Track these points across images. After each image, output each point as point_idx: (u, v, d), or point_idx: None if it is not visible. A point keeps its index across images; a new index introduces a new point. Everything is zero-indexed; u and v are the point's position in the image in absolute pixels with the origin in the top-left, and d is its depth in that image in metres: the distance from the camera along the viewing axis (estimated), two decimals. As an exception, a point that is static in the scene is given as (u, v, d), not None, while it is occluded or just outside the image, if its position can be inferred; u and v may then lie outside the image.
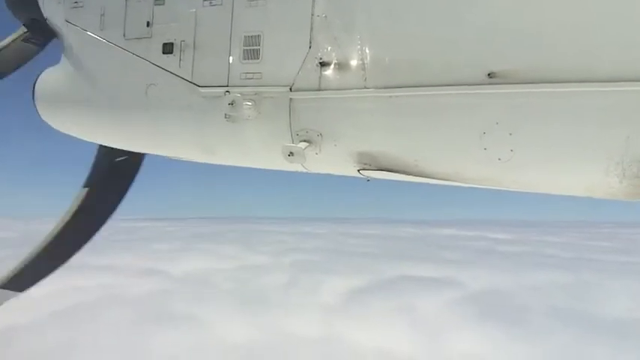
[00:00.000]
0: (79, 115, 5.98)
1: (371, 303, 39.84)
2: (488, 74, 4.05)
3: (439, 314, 38.24)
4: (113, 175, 7.10)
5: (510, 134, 4.04)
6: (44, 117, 6.29)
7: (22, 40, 6.24)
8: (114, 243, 66.23)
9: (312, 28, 4.69)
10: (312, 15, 4.69)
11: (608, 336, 34.07)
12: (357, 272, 49.05)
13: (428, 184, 4.85)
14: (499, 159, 4.13)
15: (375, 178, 4.85)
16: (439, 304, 40.31)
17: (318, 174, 5.18)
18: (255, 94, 4.86)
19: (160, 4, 5.38)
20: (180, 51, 5.22)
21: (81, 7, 5.85)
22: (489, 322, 35.88)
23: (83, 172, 7.03)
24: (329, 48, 4.61)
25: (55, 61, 6.06)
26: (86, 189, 7.00)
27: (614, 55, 3.73)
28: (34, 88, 6.20)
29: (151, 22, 5.39)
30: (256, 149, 5.09)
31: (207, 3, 5.13)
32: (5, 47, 6.18)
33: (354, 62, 4.53)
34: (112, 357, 29.46)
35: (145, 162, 7.04)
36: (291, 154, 4.64)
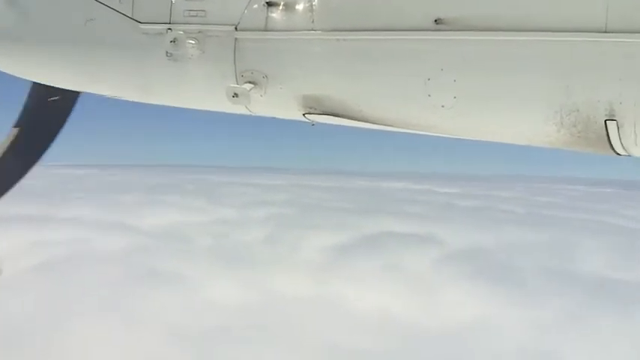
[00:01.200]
0: (13, 51, 5.50)
1: (357, 260, 38.78)
2: (435, 20, 4.00)
3: (428, 272, 37.43)
4: (45, 115, 6.71)
5: (454, 81, 4.02)
6: None
7: None
8: (70, 193, 63.50)
9: None
10: None
11: (603, 296, 34.04)
12: (336, 227, 47.92)
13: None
14: (442, 106, 4.10)
15: (319, 123, 4.67)
16: (426, 261, 39.54)
17: (262, 117, 5.14)
18: (199, 32, 4.62)
19: None
20: None
21: None
22: (481, 281, 35.24)
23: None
24: None
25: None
26: (16, 129, 6.62)
27: (556, 6, 3.76)
28: None
29: None
30: (198, 90, 4.87)
31: None
32: None
33: (301, 3, 4.42)
34: (103, 320, 27.58)
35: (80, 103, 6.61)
36: (235, 95, 4.46)
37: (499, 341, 26.94)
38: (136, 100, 5.45)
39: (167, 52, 4.70)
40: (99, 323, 27.16)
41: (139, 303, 29.51)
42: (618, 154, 4.03)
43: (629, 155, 4.07)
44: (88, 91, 5.65)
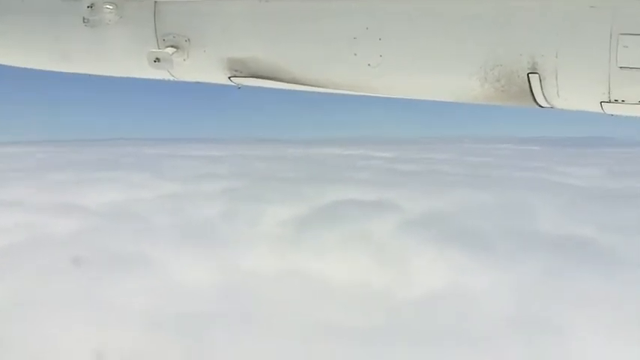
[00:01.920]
0: None
1: (320, 232, 37.95)
2: None
3: (393, 240, 37.00)
4: None
5: (380, 39, 4.07)
6: None
7: None
8: (3, 173, 60.35)
9: None
10: None
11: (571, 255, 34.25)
12: (291, 199, 46.89)
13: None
14: (369, 64, 4.16)
15: (246, 85, 4.68)
16: (388, 229, 39.10)
17: (184, 82, 4.97)
18: None
19: None
20: None
21: None
22: (449, 246, 34.90)
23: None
24: None
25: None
26: None
27: None
28: None
29: None
30: (118, 56, 4.79)
31: None
32: None
33: None
34: (71, 312, 25.98)
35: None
36: (157, 60, 4.39)
37: (484, 307, 26.65)
38: (54, 69, 5.21)
39: (84, 19, 4.55)
40: (66, 315, 25.60)
41: (106, 290, 27.92)
42: (541, 106, 4.14)
43: (551, 107, 4.16)
44: (1, 62, 5.37)
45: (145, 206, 44.08)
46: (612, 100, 3.91)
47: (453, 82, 4.18)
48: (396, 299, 27.78)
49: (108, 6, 4.49)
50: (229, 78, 4.63)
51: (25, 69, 5.47)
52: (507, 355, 22.87)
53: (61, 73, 5.32)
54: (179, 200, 46.76)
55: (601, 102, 3.98)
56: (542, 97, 4.06)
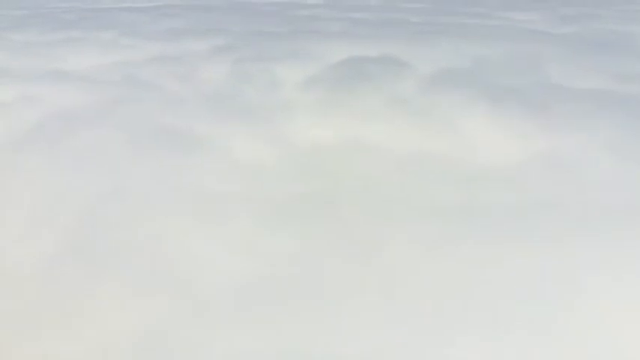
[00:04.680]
0: None
1: (351, 94, 35.50)
2: None
3: (427, 100, 35.33)
4: None
5: None
6: None
7: None
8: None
9: None
10: None
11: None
12: (295, 57, 43.59)
13: None
14: None
15: None
16: (414, 87, 37.40)
17: None
18: None
19: None
20: None
21: None
22: (500, 107, 33.29)
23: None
24: None
25: None
26: None
27: None
28: None
29: None
30: None
31: None
32: None
33: None
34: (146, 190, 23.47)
35: None
36: None
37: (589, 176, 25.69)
38: None
39: None
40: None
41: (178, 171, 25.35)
42: None
43: None
44: None
45: (144, 70, 40.11)
46: None
47: None
48: (479, 170, 26.30)
49: None
50: None
51: None
52: None
53: None
54: (177, 62, 42.88)
55: None
56: None
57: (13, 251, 19.31)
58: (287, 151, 28.16)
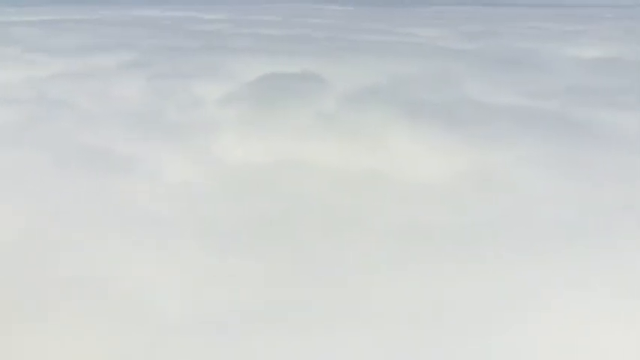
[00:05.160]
0: None
1: (277, 111, 34.84)
2: None
3: (352, 115, 35.13)
4: None
5: None
6: None
7: None
8: None
9: None
10: None
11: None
12: (209, 73, 43.08)
13: None
14: None
15: None
16: (342, 104, 37.12)
17: None
18: None
19: None
20: None
21: None
22: (424, 123, 33.49)
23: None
24: None
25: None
26: None
27: None
28: None
29: None
30: None
31: None
32: None
33: None
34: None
35: None
36: None
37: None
38: None
39: None
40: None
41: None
42: None
43: None
44: None
45: (54, 87, 38.15)
46: None
47: None
48: (422, 187, 26.13)
49: None
50: None
51: None
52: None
53: None
54: (87, 79, 41.08)
55: None
56: None
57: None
58: (220, 171, 27.23)
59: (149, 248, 20.33)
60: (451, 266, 19.39)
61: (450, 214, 23.24)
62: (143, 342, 15.71)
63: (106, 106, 34.26)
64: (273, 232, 21.63)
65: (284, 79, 41.56)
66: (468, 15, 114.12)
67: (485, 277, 18.61)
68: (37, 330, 16.10)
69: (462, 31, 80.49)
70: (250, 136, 31.62)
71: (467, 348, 15.67)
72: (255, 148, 29.86)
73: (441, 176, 26.96)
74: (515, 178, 25.99)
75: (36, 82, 38.93)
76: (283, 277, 18.78)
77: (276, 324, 16.45)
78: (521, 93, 41.23)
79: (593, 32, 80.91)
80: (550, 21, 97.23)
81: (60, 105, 33.95)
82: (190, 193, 25.00)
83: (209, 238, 21.15)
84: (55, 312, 16.66)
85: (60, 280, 18.21)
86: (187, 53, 51.23)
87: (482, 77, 46.03)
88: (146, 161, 27.15)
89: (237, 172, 27.39)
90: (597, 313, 16.58)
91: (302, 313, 17.03)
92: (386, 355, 15.54)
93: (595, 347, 15.08)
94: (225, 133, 31.61)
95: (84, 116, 31.96)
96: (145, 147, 28.52)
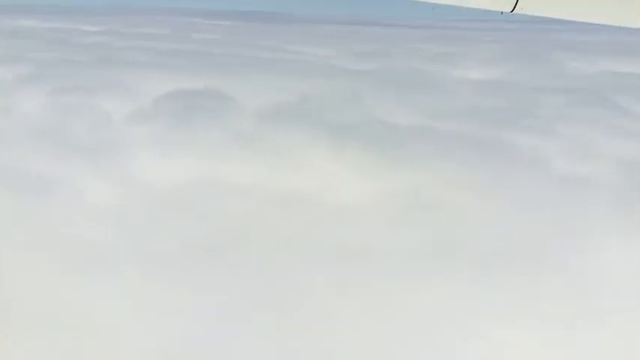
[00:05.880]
0: None
1: (188, 128, 34.10)
2: None
3: (263, 133, 34.83)
4: None
5: None
6: None
7: None
8: None
9: None
10: None
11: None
12: (116, 89, 41.53)
13: None
14: None
15: None
16: (251, 120, 36.67)
17: None
18: None
19: None
20: None
21: None
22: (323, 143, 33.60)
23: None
24: None
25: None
26: None
27: None
28: None
29: None
30: None
31: None
32: None
33: None
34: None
35: None
36: None
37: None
38: None
39: None
40: None
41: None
42: None
43: None
44: None
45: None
46: None
47: None
48: (353, 209, 26.22)
49: None
50: None
51: None
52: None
53: None
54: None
55: None
56: None
57: None
58: (143, 193, 26.41)
59: (83, 273, 19.56)
60: (388, 288, 19.62)
61: (382, 235, 23.48)
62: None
63: (12, 123, 32.31)
64: (204, 257, 21.23)
65: (190, 96, 40.85)
66: (355, 35, 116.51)
67: (421, 298, 18.96)
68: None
69: (353, 51, 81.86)
70: (168, 155, 30.83)
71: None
72: (175, 167, 29.15)
73: (368, 197, 27.19)
74: (443, 199, 26.51)
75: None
76: (217, 303, 18.47)
77: (213, 346, 16.25)
78: (424, 114, 42.21)
79: (474, 54, 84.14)
80: (433, 43, 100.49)
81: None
82: (116, 215, 24.10)
83: (141, 263, 20.48)
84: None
85: None
86: (83, 67, 49.31)
87: (384, 98, 46.92)
88: (65, 182, 25.90)
89: (160, 193, 26.65)
90: (527, 338, 17.19)
91: (237, 336, 16.91)
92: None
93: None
94: (142, 151, 30.64)
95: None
96: (62, 166, 27.27)
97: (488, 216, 25.23)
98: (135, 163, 29.10)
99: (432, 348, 16.66)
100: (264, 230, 23.69)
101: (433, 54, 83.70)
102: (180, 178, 28.02)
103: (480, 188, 28.15)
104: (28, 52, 57.83)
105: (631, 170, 29.60)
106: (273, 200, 26.84)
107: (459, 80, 60.02)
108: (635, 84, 53.24)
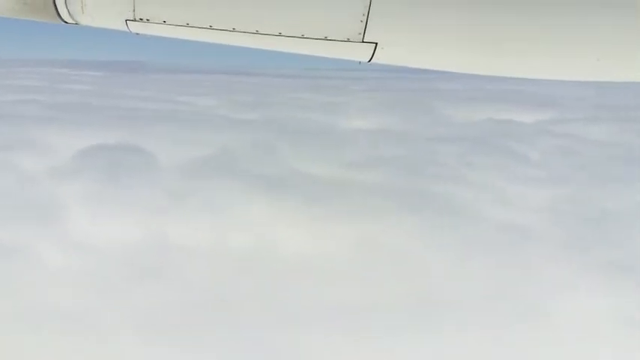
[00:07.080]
0: None
1: (112, 188, 33.18)
2: None
3: (197, 188, 34.46)
4: None
5: None
6: None
7: None
8: None
9: None
10: None
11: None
12: (24, 144, 39.66)
13: None
14: None
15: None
16: (181, 177, 36.19)
17: None
18: None
19: None
20: None
21: None
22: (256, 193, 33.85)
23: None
24: None
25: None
26: None
27: None
28: None
29: None
30: None
31: None
32: None
33: None
34: None
35: None
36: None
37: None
38: None
39: None
40: None
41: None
42: (66, 22, 4.02)
43: (76, 23, 4.06)
44: None
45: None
46: (138, 18, 3.80)
47: None
48: (308, 262, 26.55)
49: None
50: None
51: None
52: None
53: None
54: None
55: (126, 20, 3.85)
56: (67, 12, 3.87)
57: None
58: (96, 255, 25.73)
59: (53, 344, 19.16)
60: (358, 345, 20.32)
61: (341, 290, 24.03)
62: None
63: None
64: (171, 322, 21.23)
65: (108, 151, 39.81)
66: (228, 84, 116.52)
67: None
68: None
69: (234, 100, 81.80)
70: (106, 215, 30.06)
71: None
72: (117, 227, 28.57)
73: (319, 251, 27.63)
74: (396, 249, 27.30)
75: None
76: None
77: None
78: (338, 164, 43.09)
79: (352, 104, 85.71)
80: (307, 91, 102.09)
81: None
82: (75, 281, 23.44)
83: (109, 332, 20.18)
84: None
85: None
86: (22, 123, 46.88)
87: (292, 148, 47.36)
88: (16, 246, 24.82)
89: (114, 255, 26.07)
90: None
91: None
92: None
93: None
94: (79, 211, 29.68)
95: None
96: (4, 230, 25.98)
97: (443, 263, 26.29)
98: (78, 223, 28.28)
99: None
100: (227, 290, 23.76)
101: (312, 103, 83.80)
102: (127, 239, 27.49)
103: (425, 236, 29.22)
104: None
105: (554, 217, 31.77)
106: (226, 258, 26.82)
107: (351, 130, 60.63)
108: (519, 131, 56.79)
